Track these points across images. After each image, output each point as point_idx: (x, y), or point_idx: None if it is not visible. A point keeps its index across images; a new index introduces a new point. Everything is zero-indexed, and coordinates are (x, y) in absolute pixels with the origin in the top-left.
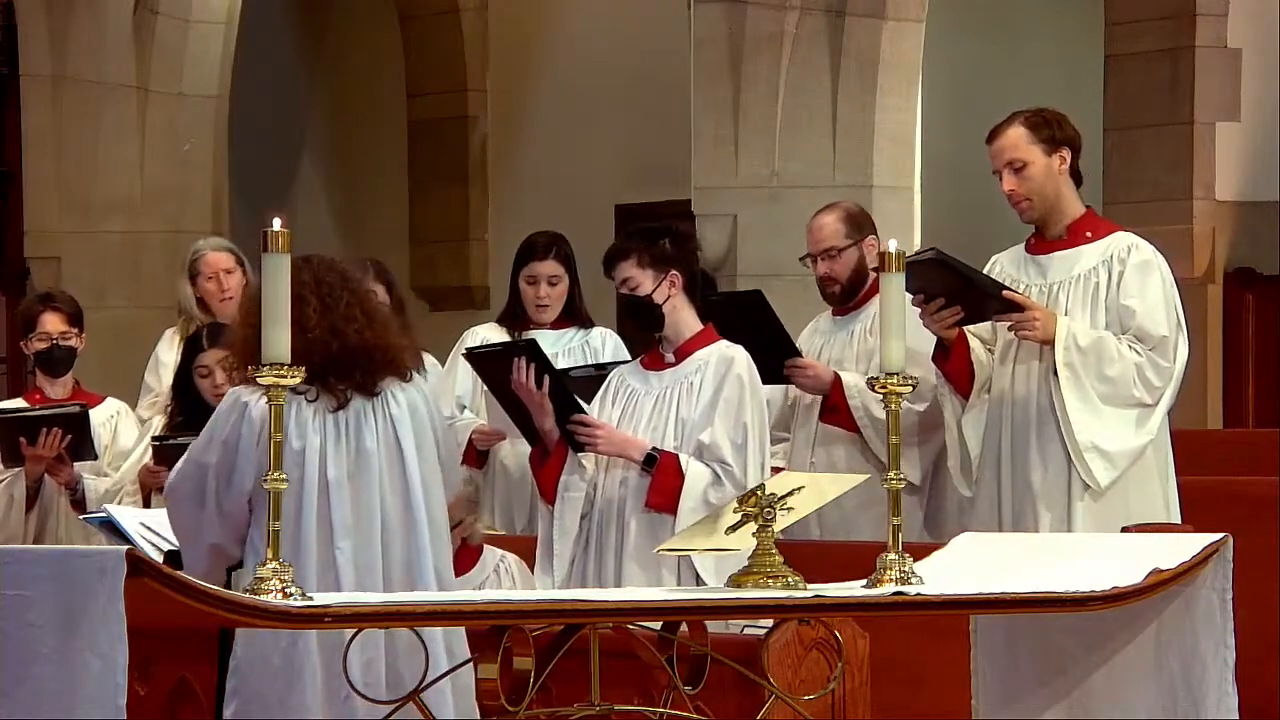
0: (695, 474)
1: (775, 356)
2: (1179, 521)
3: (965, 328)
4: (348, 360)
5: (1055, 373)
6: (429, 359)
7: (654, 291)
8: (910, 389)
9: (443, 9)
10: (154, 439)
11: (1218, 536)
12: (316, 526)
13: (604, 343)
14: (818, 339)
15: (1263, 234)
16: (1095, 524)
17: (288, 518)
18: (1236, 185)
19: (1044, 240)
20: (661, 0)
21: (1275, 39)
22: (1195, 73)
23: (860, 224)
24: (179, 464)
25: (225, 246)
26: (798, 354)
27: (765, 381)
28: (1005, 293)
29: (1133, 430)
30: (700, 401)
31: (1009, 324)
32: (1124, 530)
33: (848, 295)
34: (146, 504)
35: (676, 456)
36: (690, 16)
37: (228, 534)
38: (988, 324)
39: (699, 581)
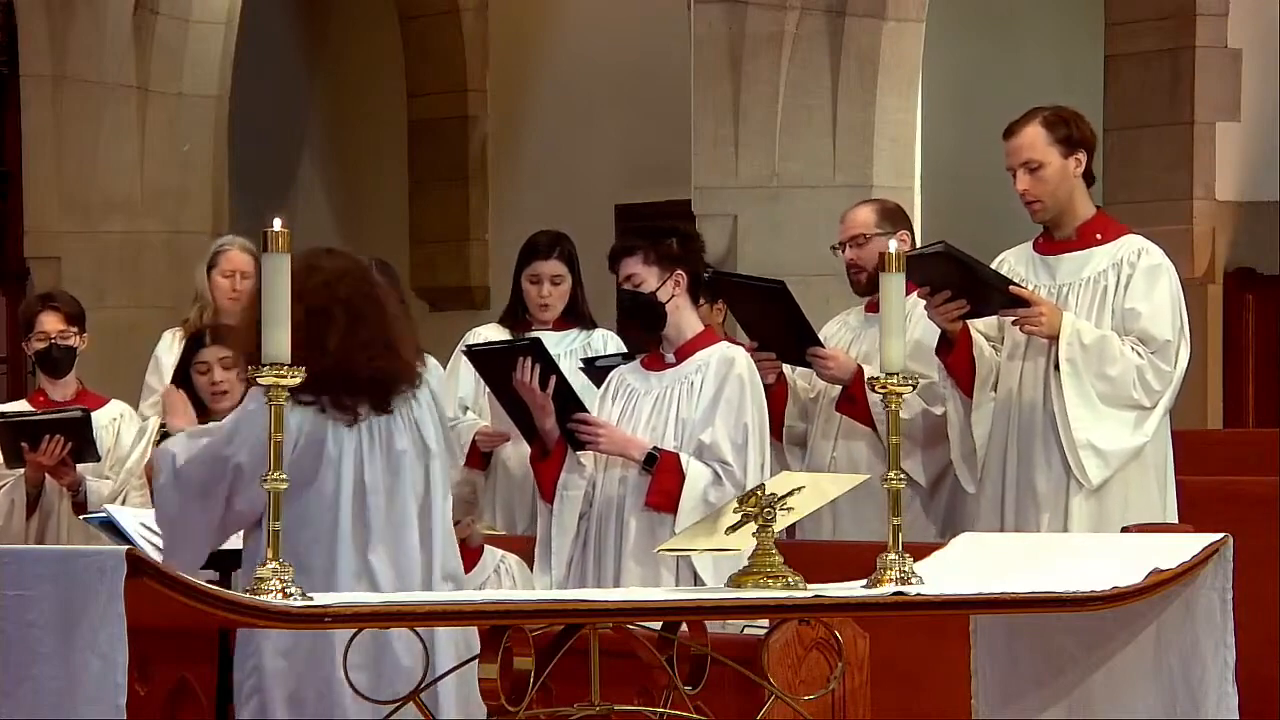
0: (695, 474)
1: (796, 343)
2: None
3: (970, 323)
4: (353, 388)
5: (1056, 367)
6: (430, 360)
7: (658, 290)
8: (911, 389)
9: (443, 9)
10: (162, 426)
11: (1218, 536)
12: (351, 532)
13: (605, 345)
14: (846, 334)
15: (1263, 234)
16: (1092, 523)
17: (324, 525)
18: (1236, 185)
19: (1053, 240)
20: (661, 0)
21: (1275, 39)
22: (1195, 73)
23: (894, 218)
24: (193, 450)
25: (250, 250)
26: (818, 343)
27: (785, 361)
28: (1011, 288)
29: (1129, 431)
30: (701, 401)
31: (1013, 319)
32: (1124, 530)
33: (875, 285)
34: (153, 496)
35: (677, 456)
36: (690, 16)
37: (221, 529)
38: (993, 321)
39: (698, 581)
